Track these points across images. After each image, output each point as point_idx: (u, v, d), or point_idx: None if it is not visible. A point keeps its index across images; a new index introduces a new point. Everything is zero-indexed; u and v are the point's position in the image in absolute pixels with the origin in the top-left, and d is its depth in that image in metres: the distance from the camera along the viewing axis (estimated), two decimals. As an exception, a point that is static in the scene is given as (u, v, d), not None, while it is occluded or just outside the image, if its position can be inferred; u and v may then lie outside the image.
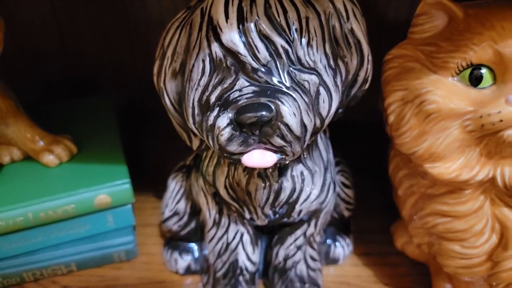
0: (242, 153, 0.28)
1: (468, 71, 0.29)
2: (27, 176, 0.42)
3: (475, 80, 0.29)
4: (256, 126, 0.27)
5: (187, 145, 0.41)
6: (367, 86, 0.32)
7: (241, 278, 0.39)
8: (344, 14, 0.30)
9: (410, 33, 0.33)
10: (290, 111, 0.27)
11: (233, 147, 0.28)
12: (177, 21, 0.32)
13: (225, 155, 0.29)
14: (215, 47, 0.28)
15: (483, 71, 0.29)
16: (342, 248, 0.43)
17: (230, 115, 0.27)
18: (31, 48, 0.55)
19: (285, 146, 0.28)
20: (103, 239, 0.43)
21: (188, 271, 0.42)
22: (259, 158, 0.28)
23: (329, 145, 0.37)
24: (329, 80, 0.29)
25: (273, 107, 0.27)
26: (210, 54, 0.28)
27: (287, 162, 0.31)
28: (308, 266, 0.39)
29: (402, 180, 0.37)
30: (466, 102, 0.29)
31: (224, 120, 0.28)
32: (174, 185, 0.42)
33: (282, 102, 0.27)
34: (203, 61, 0.29)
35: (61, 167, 0.43)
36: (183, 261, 0.42)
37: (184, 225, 0.42)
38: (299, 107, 0.28)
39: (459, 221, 0.32)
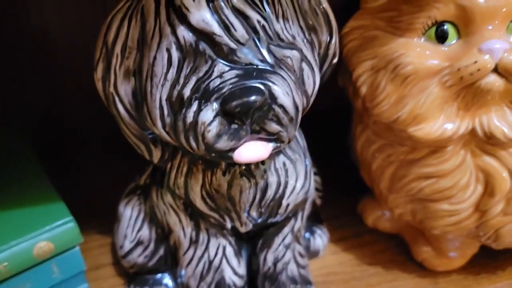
0: (232, 149, 0.25)
1: (434, 29, 0.29)
2: None
3: (441, 38, 0.29)
4: (248, 114, 0.24)
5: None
6: (336, 60, 0.31)
7: (230, 296, 0.35)
8: None
9: (363, 3, 0.32)
10: (283, 91, 0.24)
11: (223, 143, 0.24)
12: (120, 12, 0.27)
13: (213, 154, 0.25)
14: (182, 31, 0.24)
15: (446, 27, 0.29)
16: (320, 238, 0.41)
17: (214, 106, 0.24)
18: None
19: (281, 131, 0.25)
20: (51, 296, 0.35)
21: (165, 306, 0.36)
22: (254, 150, 0.25)
23: (300, 130, 0.35)
24: (309, 55, 0.27)
25: (264, 89, 0.24)
26: (177, 41, 0.24)
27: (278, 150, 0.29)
28: (298, 265, 0.36)
29: (375, 154, 0.36)
30: (441, 59, 0.29)
31: (208, 113, 0.24)
32: (130, 211, 0.36)
33: (272, 82, 0.24)
34: (168, 50, 0.25)
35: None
36: (157, 296, 0.36)
37: (151, 254, 0.36)
38: (289, 85, 0.25)
39: (444, 179, 0.32)
